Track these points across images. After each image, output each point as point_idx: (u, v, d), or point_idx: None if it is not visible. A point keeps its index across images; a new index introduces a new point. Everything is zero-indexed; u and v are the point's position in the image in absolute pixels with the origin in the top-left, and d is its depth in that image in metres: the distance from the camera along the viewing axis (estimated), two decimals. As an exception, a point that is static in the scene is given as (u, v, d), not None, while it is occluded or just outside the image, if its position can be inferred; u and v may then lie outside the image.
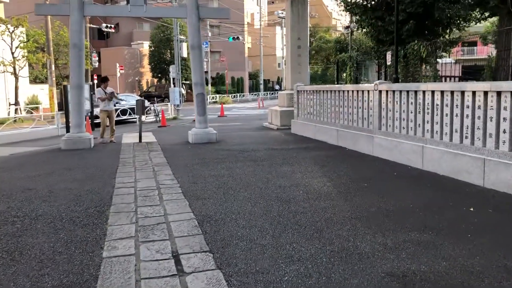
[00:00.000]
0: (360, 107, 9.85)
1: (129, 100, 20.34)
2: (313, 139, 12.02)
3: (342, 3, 17.79)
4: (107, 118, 12.75)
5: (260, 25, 50.82)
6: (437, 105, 7.36)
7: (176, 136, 13.69)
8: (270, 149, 10.37)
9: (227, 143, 11.66)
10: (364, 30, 18.07)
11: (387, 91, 8.77)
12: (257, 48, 57.56)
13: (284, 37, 67.01)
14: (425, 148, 7.57)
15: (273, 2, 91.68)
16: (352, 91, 10.21)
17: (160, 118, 19.04)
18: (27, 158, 10.17)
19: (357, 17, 17.71)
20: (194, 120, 21.11)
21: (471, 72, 17.52)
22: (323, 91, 11.70)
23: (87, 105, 17.02)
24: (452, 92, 7.01)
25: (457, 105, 6.88)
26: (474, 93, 6.55)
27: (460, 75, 19.98)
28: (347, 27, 28.87)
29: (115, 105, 18.17)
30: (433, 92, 7.45)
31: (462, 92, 6.78)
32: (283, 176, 7.16)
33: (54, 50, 30.83)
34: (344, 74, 30.14)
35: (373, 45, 18.31)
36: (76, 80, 11.11)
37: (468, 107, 6.66)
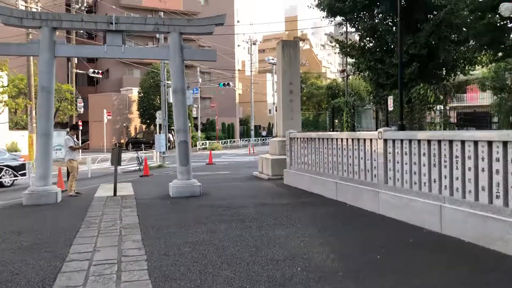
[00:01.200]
0: (362, 158, 8.71)
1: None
2: (308, 192, 10.79)
3: (337, 46, 17.07)
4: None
5: (251, 70, 50.71)
6: (456, 157, 6.23)
7: (156, 188, 12.39)
8: (261, 204, 9.10)
9: (212, 196, 10.38)
10: (362, 74, 17.21)
11: (393, 140, 7.66)
12: (248, 94, 57.24)
13: (275, 84, 67.06)
14: (443, 208, 6.36)
15: (263, 51, 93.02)
16: (352, 139, 9.10)
17: (143, 167, 17.77)
18: (-21, 216, 8.78)
19: (354, 59, 16.89)
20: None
21: (471, 119, 16.63)
22: (319, 139, 10.60)
23: (62, 153, 15.82)
24: (475, 143, 5.89)
25: (483, 158, 5.75)
26: (505, 143, 5.44)
27: (457, 122, 19.15)
28: (342, 71, 28.35)
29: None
30: (451, 142, 6.34)
31: (489, 142, 5.66)
32: (276, 244, 5.87)
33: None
34: (336, 121, 29.39)
35: (372, 90, 17.37)
36: (43, 126, 9.93)
37: (498, 160, 5.52)
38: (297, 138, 11.93)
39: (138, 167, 19.93)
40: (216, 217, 7.81)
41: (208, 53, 10.86)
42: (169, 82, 23.79)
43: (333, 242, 5.93)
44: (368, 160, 8.49)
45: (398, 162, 7.54)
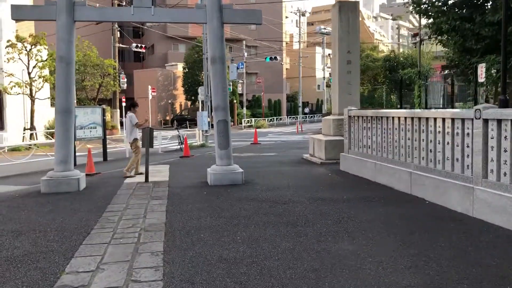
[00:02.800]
0: (448, 142, 6.77)
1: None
2: (372, 182, 8.96)
3: (411, 4, 14.41)
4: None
5: (299, 41, 48.21)
6: None
7: (194, 173, 10.93)
8: (315, 199, 7.39)
9: (256, 186, 8.76)
10: (440, 38, 14.40)
11: (499, 121, 5.68)
12: (296, 69, 54.96)
13: (324, 58, 64.21)
14: None
15: (312, 24, 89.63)
16: (435, 119, 7.15)
17: (184, 146, 16.42)
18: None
19: (432, 20, 14.32)
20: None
21: None
22: (388, 117, 8.68)
23: (98, 132, 14.71)
24: None
25: None
26: None
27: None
28: (415, 35, 25.44)
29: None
30: None
31: None
32: (344, 269, 4.16)
33: (80, 71, 29.22)
34: (393, 96, 26.92)
35: (457, 57, 14.66)
36: (62, 102, 8.60)
37: None
38: (358, 117, 10.04)
39: (179, 146, 18.67)
40: (260, 217, 6.18)
41: (252, 14, 9.09)
42: (212, 55, 22.33)
43: (426, 269, 4.15)
44: (457, 146, 6.54)
45: (505, 151, 5.58)
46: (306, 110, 55.47)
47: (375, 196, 7.59)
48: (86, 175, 10.95)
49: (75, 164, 13.45)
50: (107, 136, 21.78)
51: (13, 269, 4.32)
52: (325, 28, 30.61)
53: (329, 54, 41.64)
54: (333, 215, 6.32)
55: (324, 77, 36.70)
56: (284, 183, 9.11)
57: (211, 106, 23.08)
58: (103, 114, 15.06)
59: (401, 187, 7.98)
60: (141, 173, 10.50)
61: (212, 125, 25.70)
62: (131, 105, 11.42)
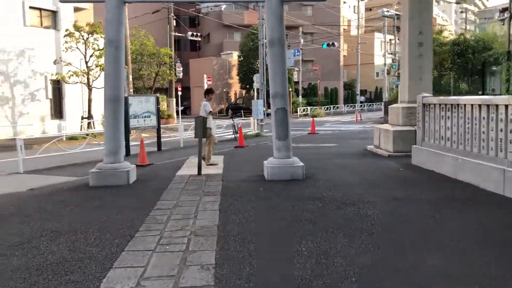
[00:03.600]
0: (558, 135, 5.54)
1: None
2: (452, 178, 7.80)
3: None
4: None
5: (358, 25, 46.16)
6: None
7: (249, 165, 10.19)
8: (389, 199, 6.40)
9: (319, 182, 7.86)
10: None
11: None
12: (353, 56, 52.90)
13: (383, 44, 61.38)
14: None
15: (370, 9, 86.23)
16: (540, 106, 5.92)
17: (238, 136, 15.75)
18: (35, 200, 7.25)
19: None
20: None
21: None
22: (474, 105, 7.46)
23: (153, 121, 14.33)
24: None
25: None
26: None
27: None
28: (503, 10, 23.22)
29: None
30: None
31: None
32: (445, 300, 3.22)
33: (137, 60, 29.37)
34: (465, 85, 24.82)
35: None
36: (111, 90, 8.08)
37: None
38: (435, 105, 8.84)
39: (233, 136, 18.07)
40: (327, 222, 5.30)
41: (315, -11, 8.08)
42: (268, 41, 21.44)
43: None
44: None
45: None
46: (362, 98, 53.12)
47: (460, 196, 6.48)
48: (138, 166, 10.54)
49: (128, 154, 13.20)
50: (162, 125, 21.64)
51: (43, 282, 3.73)
52: (388, 11, 28.69)
53: (390, 40, 39.52)
54: (414, 219, 5.33)
55: (385, 64, 34.78)
56: (350, 178, 8.15)
57: (267, 94, 22.26)
58: (157, 103, 14.66)
59: (490, 187, 6.79)
60: (211, 164, 10.30)
61: (268, 114, 24.90)
62: (206, 91, 10.99)
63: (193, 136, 10.03)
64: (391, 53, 36.40)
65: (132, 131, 14.94)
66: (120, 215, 5.91)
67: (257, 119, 19.86)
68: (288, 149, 8.32)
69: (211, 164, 10.31)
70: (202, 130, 8.89)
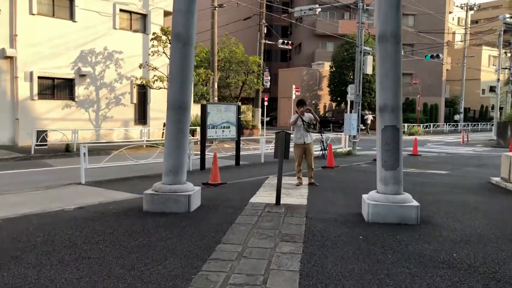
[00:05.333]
0: None
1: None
2: None
3: None
4: (303, 154, 9.42)
5: (465, 38, 41.84)
6: None
7: (341, 196, 8.16)
8: None
9: (441, 232, 5.64)
10: None
11: None
12: (457, 70, 48.34)
13: (492, 58, 55.47)
14: None
15: (476, 22, 79.56)
16: None
17: (327, 154, 13.71)
18: (72, 225, 5.87)
19: None
20: (374, 160, 15.26)
21: None
22: None
23: (232, 132, 12.80)
24: None
25: None
26: None
27: None
28: None
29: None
30: None
31: None
32: None
33: (225, 68, 28.48)
34: None
35: None
36: (176, 95, 6.53)
37: None
38: None
39: (321, 153, 16.03)
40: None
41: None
42: (367, 48, 19.16)
43: None
44: None
45: None
46: (457, 117, 47.86)
47: None
48: (209, 185, 8.99)
49: (203, 168, 11.78)
50: (246, 137, 20.21)
51: None
52: (511, 17, 24.86)
53: (505, 52, 34.99)
54: None
55: (498, 79, 30.57)
56: (485, 229, 5.81)
57: (360, 108, 19.93)
58: (239, 112, 13.12)
59: None
60: (298, 183, 9.33)
61: (363, 129, 22.43)
62: (298, 103, 9.53)
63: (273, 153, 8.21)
64: (507, 68, 31.99)
65: (213, 142, 13.53)
66: (162, 266, 4.24)
67: (349, 136, 17.64)
68: (398, 182, 6.18)
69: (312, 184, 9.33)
70: (284, 148, 7.03)
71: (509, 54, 33.09)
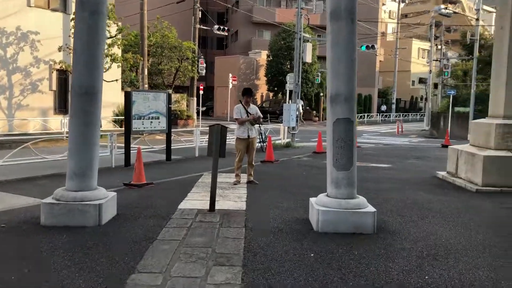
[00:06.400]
0: None
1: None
2: None
3: None
4: (246, 150, 8.34)
5: (398, 30, 42.74)
6: None
7: (286, 196, 7.21)
8: None
9: (402, 242, 4.84)
10: None
11: None
12: (389, 62, 49.43)
13: (420, 51, 57.53)
14: None
15: (406, 16, 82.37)
16: None
17: (266, 146, 12.78)
18: None
19: None
20: (315, 153, 14.61)
21: None
22: None
23: (162, 123, 11.47)
24: None
25: None
26: None
27: None
28: None
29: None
30: None
31: None
32: None
33: (157, 53, 26.76)
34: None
35: None
36: (81, 78, 5.20)
37: None
38: None
39: (260, 145, 15.10)
40: None
41: None
42: (306, 35, 18.45)
43: None
44: None
45: None
46: (383, 107, 49.02)
47: None
48: (131, 186, 7.72)
49: (127, 164, 10.42)
50: (179, 129, 18.85)
51: None
52: (446, 8, 25.18)
53: (436, 45, 35.96)
54: None
55: (430, 71, 31.23)
56: (449, 236, 5.08)
57: (298, 98, 19.20)
58: (169, 101, 11.80)
59: None
60: (236, 181, 8.30)
61: (302, 120, 21.73)
62: (243, 92, 8.42)
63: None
64: (437, 60, 32.83)
65: (143, 134, 12.07)
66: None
67: (287, 127, 16.85)
68: (351, 183, 5.30)
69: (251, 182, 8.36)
70: (220, 144, 5.92)
71: (439, 47, 34.00)
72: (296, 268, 4.02)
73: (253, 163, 8.43)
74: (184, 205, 6.40)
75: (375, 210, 5.25)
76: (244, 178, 8.52)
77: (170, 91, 14.32)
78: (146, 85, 20.84)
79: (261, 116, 8.52)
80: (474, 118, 21.55)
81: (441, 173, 9.72)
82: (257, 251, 4.44)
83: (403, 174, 10.03)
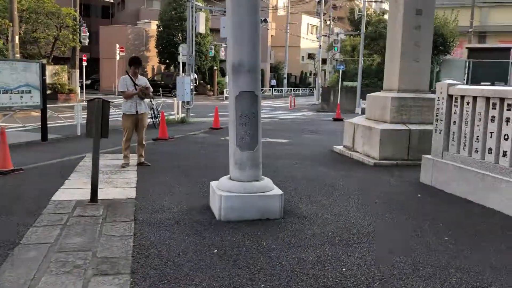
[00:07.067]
0: None
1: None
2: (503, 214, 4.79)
3: None
4: (135, 127, 7.36)
5: (288, 4, 43.32)
6: None
7: (181, 179, 6.49)
8: (440, 268, 3.15)
9: (312, 227, 4.44)
10: None
11: None
12: (281, 37, 50.06)
13: (310, 26, 59.26)
14: None
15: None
16: None
17: (159, 123, 11.81)
18: None
19: None
20: (212, 129, 13.90)
21: None
22: None
23: (35, 98, 9.93)
24: None
25: None
26: None
27: None
28: None
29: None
30: None
31: None
32: None
33: (30, 19, 23.75)
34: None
35: None
36: None
37: None
38: (476, 98, 5.73)
39: (152, 121, 14.06)
40: None
41: None
42: (199, 4, 17.45)
43: None
44: None
45: None
46: (272, 82, 49.80)
47: None
48: (-6, 174, 6.40)
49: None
50: (61, 104, 17.14)
51: None
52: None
53: (326, 20, 36.99)
54: None
55: (320, 46, 32.11)
56: (358, 217, 4.80)
57: (193, 70, 18.32)
58: (43, 73, 10.24)
59: None
60: (124, 164, 7.31)
61: (195, 93, 20.93)
62: (130, 62, 7.36)
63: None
64: (326, 35, 33.79)
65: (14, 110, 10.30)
66: None
67: (182, 101, 15.92)
68: (256, 165, 4.75)
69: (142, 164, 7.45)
70: (101, 123, 4.96)
71: (328, 22, 35.03)
72: (198, 270, 3.36)
73: (143, 142, 7.53)
74: (59, 195, 5.36)
75: (282, 192, 4.77)
76: (134, 159, 7.60)
77: (44, 61, 12.56)
78: (18, 55, 18.26)
79: (151, 88, 7.61)
80: (362, 92, 22.66)
81: (338, 147, 9.68)
82: (150, 251, 3.70)
83: (302, 149, 9.84)
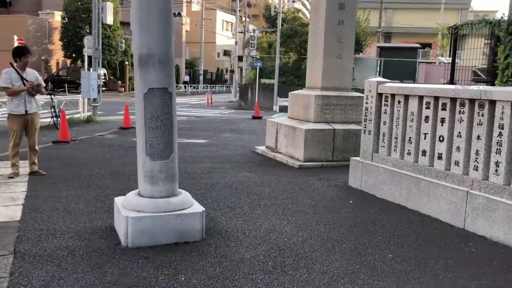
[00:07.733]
0: None
1: None
2: (445, 223, 4.49)
3: None
4: (24, 130, 6.23)
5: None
6: None
7: (82, 193, 5.47)
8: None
9: (240, 250, 3.76)
10: None
11: None
12: (195, 33, 48.89)
13: (225, 23, 58.70)
14: None
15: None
16: None
17: (60, 123, 10.43)
18: None
19: None
20: (121, 129, 12.68)
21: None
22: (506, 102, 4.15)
23: None
24: None
25: None
26: None
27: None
28: None
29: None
30: None
31: None
32: None
33: None
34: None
35: None
36: None
37: None
38: (408, 97, 5.40)
39: (52, 121, 12.57)
40: None
41: None
42: (106, -8, 15.96)
43: None
44: None
45: None
46: (186, 78, 48.51)
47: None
48: None
49: None
50: None
51: None
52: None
53: (241, 16, 36.61)
54: None
55: (236, 42, 31.60)
56: (290, 233, 4.20)
57: (100, 65, 16.84)
58: None
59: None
60: (12, 174, 6.16)
61: (104, 90, 19.38)
62: (14, 52, 6.12)
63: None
64: (241, 32, 33.40)
65: None
66: None
67: (88, 99, 14.45)
68: (172, 177, 3.95)
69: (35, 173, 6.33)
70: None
71: (243, 19, 34.66)
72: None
73: (36, 147, 6.37)
74: None
75: (203, 209, 4.03)
76: (25, 168, 6.41)
77: None
78: None
79: (43, 84, 6.45)
80: (279, 90, 22.50)
81: (260, 148, 9.12)
82: (29, 302, 2.77)
83: (222, 151, 9.14)
